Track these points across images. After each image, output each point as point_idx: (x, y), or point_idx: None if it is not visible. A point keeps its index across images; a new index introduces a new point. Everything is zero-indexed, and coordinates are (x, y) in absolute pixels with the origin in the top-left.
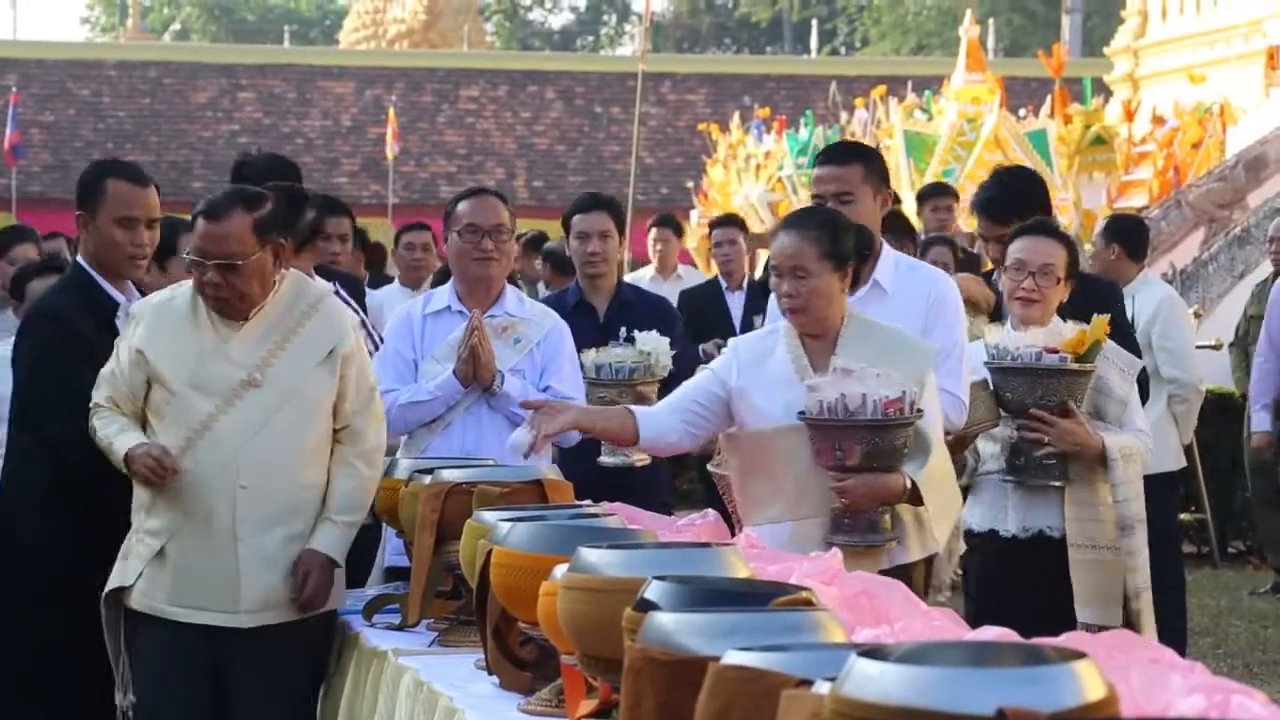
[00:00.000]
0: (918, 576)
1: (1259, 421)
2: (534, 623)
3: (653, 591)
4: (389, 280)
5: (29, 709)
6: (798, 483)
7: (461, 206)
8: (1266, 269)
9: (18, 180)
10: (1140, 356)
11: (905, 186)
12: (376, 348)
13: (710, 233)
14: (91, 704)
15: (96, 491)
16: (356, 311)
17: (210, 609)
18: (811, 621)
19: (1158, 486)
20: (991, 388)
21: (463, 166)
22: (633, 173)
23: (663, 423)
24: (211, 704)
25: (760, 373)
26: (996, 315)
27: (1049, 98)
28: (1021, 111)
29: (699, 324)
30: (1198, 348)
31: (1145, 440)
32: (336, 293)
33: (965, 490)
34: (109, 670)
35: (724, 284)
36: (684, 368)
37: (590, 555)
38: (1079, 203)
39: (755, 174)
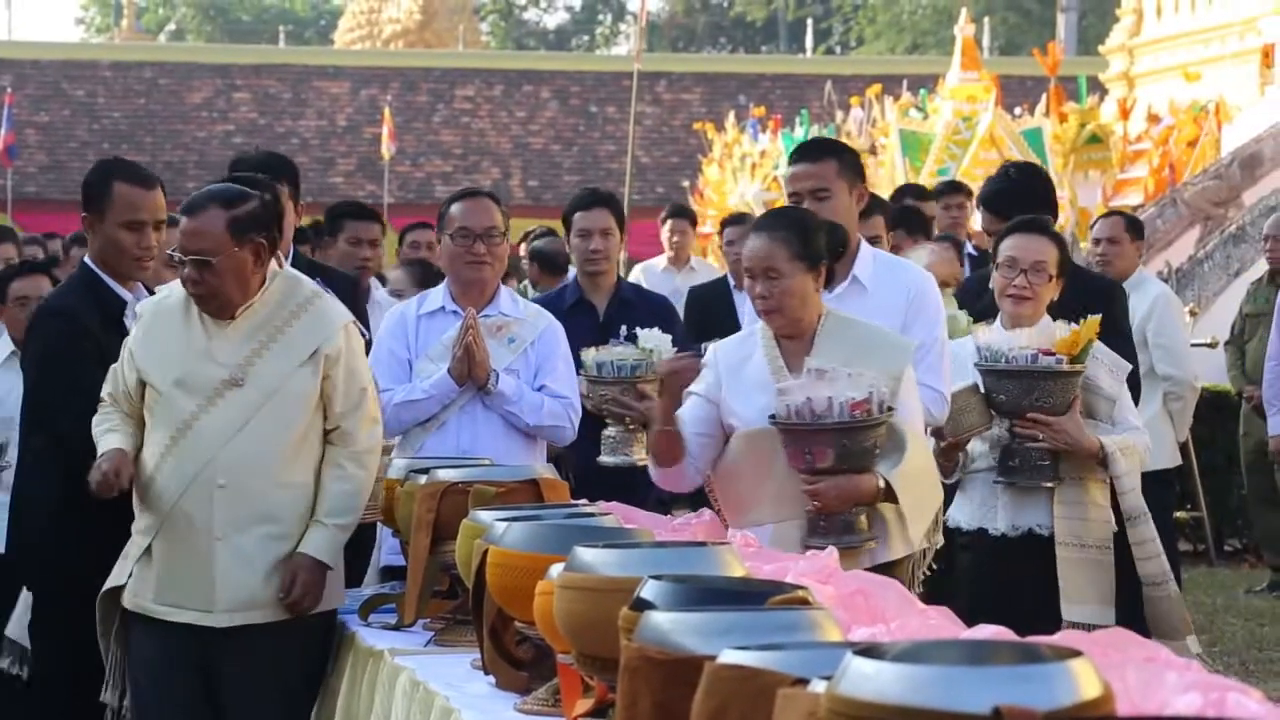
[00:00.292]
0: (903, 573)
1: (1275, 425)
2: (530, 622)
3: (649, 591)
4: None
5: (28, 707)
6: (775, 486)
7: (454, 209)
8: (1262, 267)
9: (13, 181)
10: (1136, 358)
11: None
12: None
13: (721, 231)
14: (91, 703)
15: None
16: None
17: (189, 608)
18: (807, 620)
19: (1153, 484)
20: (983, 391)
21: (458, 166)
22: (628, 172)
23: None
24: (204, 704)
25: (739, 377)
26: (986, 313)
27: (1044, 96)
28: (1017, 110)
29: (706, 322)
30: (1193, 346)
31: (1142, 436)
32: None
33: (954, 488)
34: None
35: (732, 283)
36: None
37: (586, 554)
38: (1074, 201)
39: (751, 173)
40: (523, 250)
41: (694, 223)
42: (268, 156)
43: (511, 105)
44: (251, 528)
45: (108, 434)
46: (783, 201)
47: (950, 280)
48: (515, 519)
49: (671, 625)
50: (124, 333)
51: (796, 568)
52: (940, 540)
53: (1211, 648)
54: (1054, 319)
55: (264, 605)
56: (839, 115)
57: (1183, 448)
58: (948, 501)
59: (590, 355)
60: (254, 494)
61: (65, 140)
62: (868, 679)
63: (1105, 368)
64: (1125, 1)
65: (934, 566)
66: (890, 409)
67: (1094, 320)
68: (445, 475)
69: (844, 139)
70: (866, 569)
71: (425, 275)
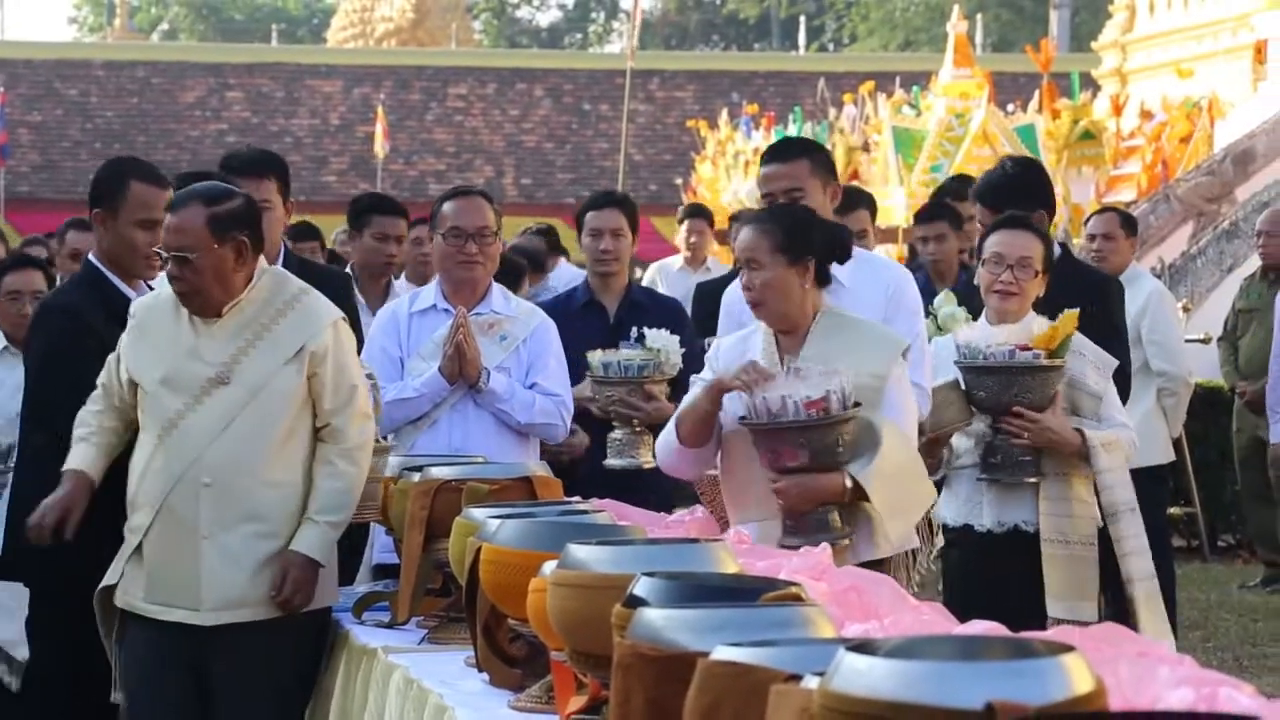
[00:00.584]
0: (893, 571)
1: (1277, 433)
2: (523, 619)
3: (642, 587)
4: None
5: (28, 707)
6: (758, 484)
7: (446, 208)
8: (1255, 263)
9: (6, 180)
10: (1129, 354)
11: (894, 182)
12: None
13: (730, 226)
14: (91, 703)
15: (106, 489)
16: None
17: (178, 606)
18: (800, 617)
19: (1147, 480)
20: (963, 387)
21: (451, 164)
22: (621, 170)
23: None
24: (196, 702)
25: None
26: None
27: (1037, 93)
28: (1010, 107)
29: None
30: (1186, 341)
31: (1128, 432)
32: None
33: (939, 484)
34: (108, 669)
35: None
36: (693, 369)
37: (579, 552)
38: (1068, 197)
39: (744, 171)
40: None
41: (711, 223)
42: (258, 154)
43: (504, 103)
44: (238, 526)
45: (79, 443)
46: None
47: None
48: (508, 516)
49: (665, 622)
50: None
51: (790, 564)
52: (941, 541)
53: (1205, 643)
54: (1051, 314)
55: (252, 604)
56: (832, 112)
57: (1176, 444)
58: None
59: (597, 356)
60: (240, 492)
61: (58, 140)
62: (861, 675)
63: (1091, 364)
64: None
65: (930, 566)
66: (857, 404)
67: (1071, 315)
68: (438, 473)
69: (837, 136)
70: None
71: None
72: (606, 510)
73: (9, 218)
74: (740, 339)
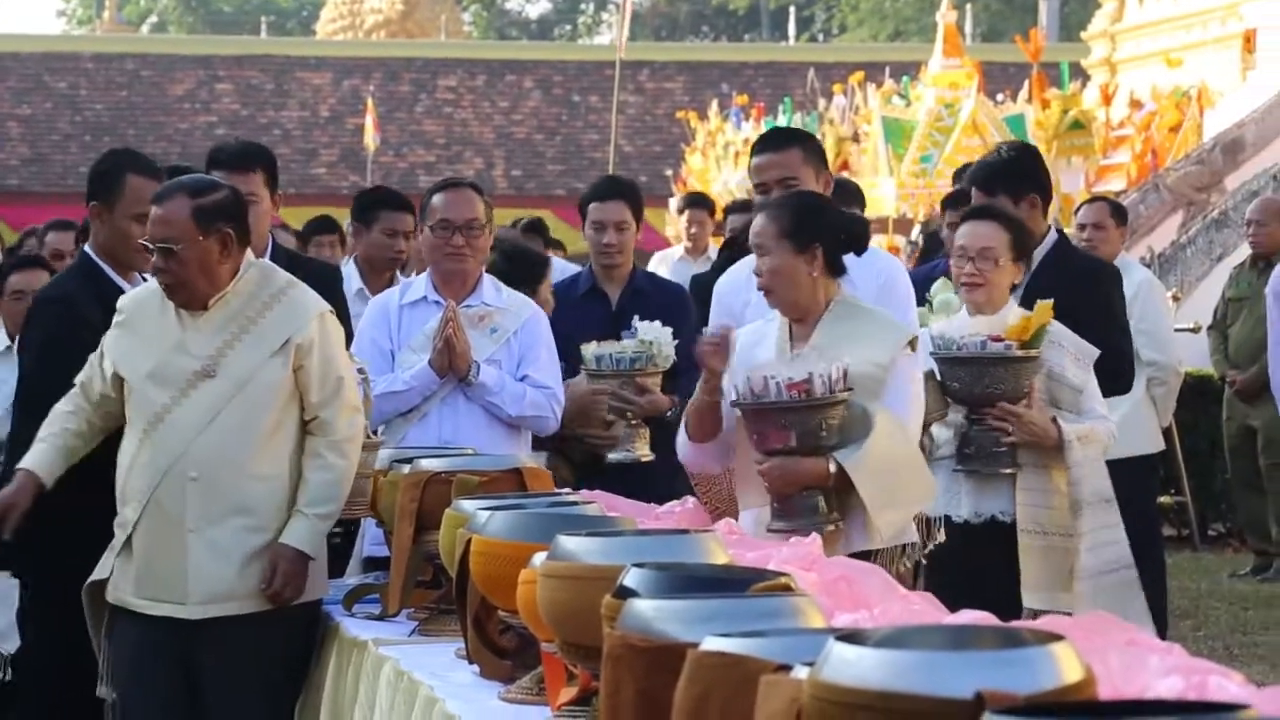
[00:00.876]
0: (889, 563)
1: None
2: (514, 611)
3: (631, 578)
4: None
5: (24, 703)
6: (753, 468)
7: (435, 200)
8: (1244, 251)
9: None
10: (1130, 340)
11: (884, 172)
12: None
13: (725, 218)
14: (81, 697)
15: (97, 481)
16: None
17: (165, 600)
18: (790, 607)
19: (1137, 469)
20: (938, 378)
21: (441, 156)
22: (611, 161)
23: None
24: (186, 696)
25: (748, 359)
26: None
27: (1026, 83)
28: (999, 96)
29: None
30: (1176, 331)
31: (1106, 424)
32: None
33: None
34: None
35: None
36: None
37: (569, 543)
38: (1058, 187)
39: (734, 161)
40: None
41: (712, 212)
42: (245, 147)
43: (494, 95)
44: (225, 520)
45: (39, 443)
46: None
47: None
48: (498, 508)
49: (654, 613)
50: None
51: (779, 555)
52: (941, 537)
53: (1196, 632)
54: (1047, 301)
55: (240, 597)
56: (822, 103)
57: (1166, 433)
58: None
59: (590, 349)
60: (226, 486)
61: (47, 133)
62: (850, 665)
63: (1070, 355)
64: None
65: (923, 559)
66: (847, 390)
67: (1045, 306)
68: (428, 465)
69: (827, 127)
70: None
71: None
72: (596, 501)
73: None
74: (759, 325)
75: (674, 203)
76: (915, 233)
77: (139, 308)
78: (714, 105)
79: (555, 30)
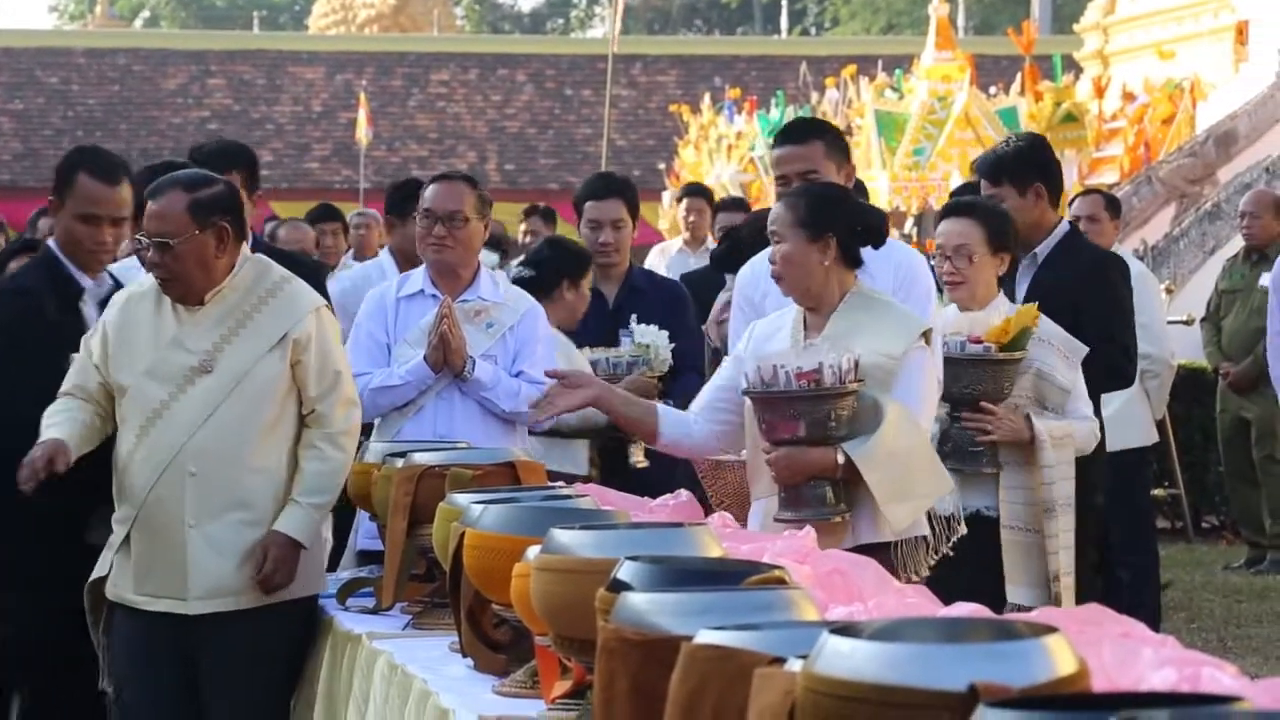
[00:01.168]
0: (892, 559)
1: None
2: (507, 604)
3: (625, 572)
4: None
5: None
6: (762, 458)
7: (425, 191)
8: (1237, 244)
9: None
10: (1134, 332)
11: (877, 166)
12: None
13: (714, 215)
14: (78, 693)
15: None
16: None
17: (164, 596)
18: (784, 600)
19: (1130, 462)
20: None
21: (434, 151)
22: (604, 155)
23: (688, 426)
24: (185, 691)
25: (763, 349)
26: None
27: (1019, 75)
28: (992, 89)
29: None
30: (1169, 323)
31: (1087, 424)
32: None
33: None
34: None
35: None
36: (696, 354)
37: (563, 536)
38: None
39: (727, 155)
40: (522, 228)
41: (710, 201)
42: (224, 145)
43: (487, 89)
44: (224, 514)
45: (50, 428)
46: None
47: None
48: (492, 501)
49: (648, 606)
50: (80, 318)
51: (773, 548)
52: (963, 529)
53: (1190, 624)
54: (1049, 291)
55: (239, 591)
56: (814, 96)
57: (1160, 425)
58: None
59: (585, 354)
60: (225, 481)
61: (40, 128)
62: (844, 657)
63: (1060, 353)
64: None
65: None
66: (858, 381)
67: (1028, 309)
68: (422, 458)
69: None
70: (849, 549)
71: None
72: (590, 495)
73: None
74: (777, 316)
75: (669, 194)
76: (909, 225)
77: (133, 307)
78: (706, 99)
79: (548, 24)
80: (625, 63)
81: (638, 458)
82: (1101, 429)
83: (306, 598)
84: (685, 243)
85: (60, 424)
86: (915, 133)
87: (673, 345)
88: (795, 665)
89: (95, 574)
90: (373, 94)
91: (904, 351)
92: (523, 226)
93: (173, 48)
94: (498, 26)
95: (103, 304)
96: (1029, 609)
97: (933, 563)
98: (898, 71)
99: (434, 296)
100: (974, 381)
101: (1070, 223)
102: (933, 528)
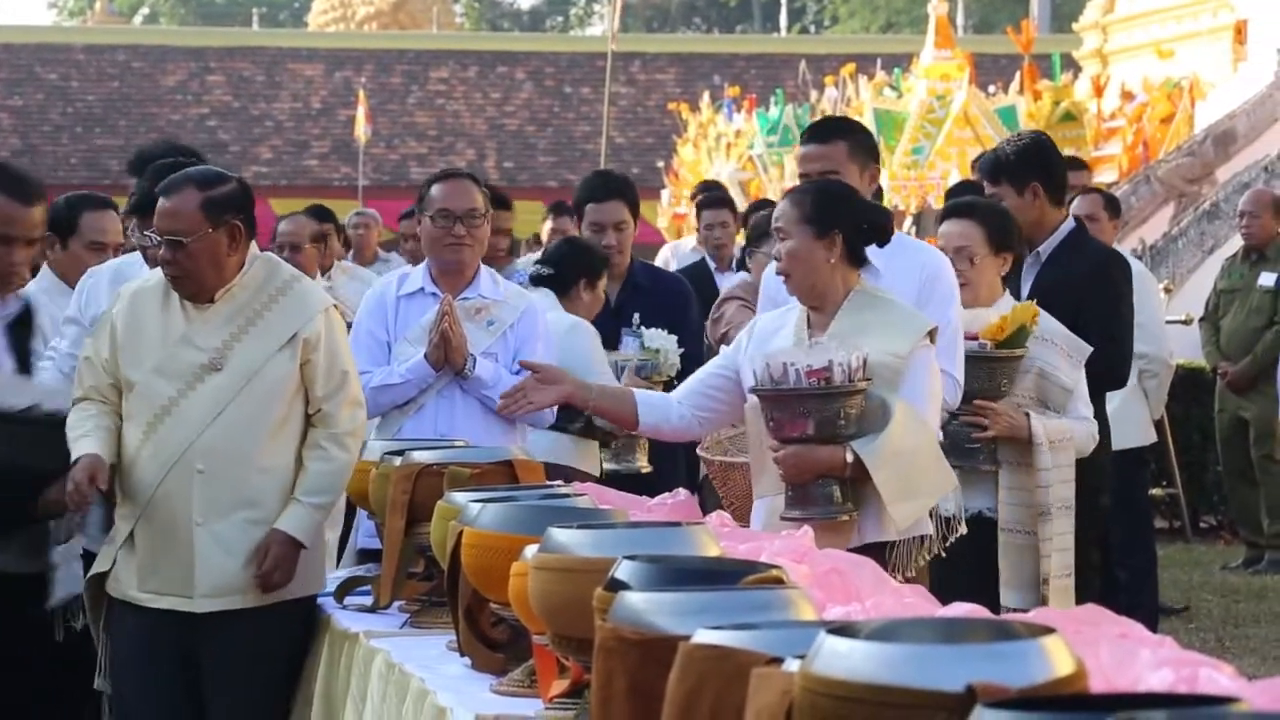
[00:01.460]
0: (895, 557)
1: None
2: (505, 603)
3: (623, 571)
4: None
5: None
6: (769, 456)
7: (435, 190)
8: (1236, 243)
9: None
10: (1130, 332)
11: None
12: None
13: (699, 213)
14: (78, 689)
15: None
16: None
17: (169, 594)
18: (782, 599)
19: (1128, 462)
20: None
21: (433, 148)
22: (603, 153)
23: (667, 410)
24: (185, 690)
25: (765, 345)
26: None
27: (1018, 74)
28: (991, 88)
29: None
30: (1168, 323)
31: (1085, 425)
32: None
33: None
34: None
35: (713, 265)
36: (699, 352)
37: (561, 535)
38: None
39: (726, 153)
40: (548, 226)
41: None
42: (171, 148)
43: (486, 87)
44: (231, 513)
45: (81, 439)
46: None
47: None
48: (490, 500)
49: (646, 605)
50: None
51: (771, 547)
52: (963, 529)
53: (1188, 624)
54: (1054, 288)
55: (244, 590)
56: (813, 95)
57: (1158, 425)
58: None
59: None
60: (233, 479)
61: (39, 124)
62: (841, 658)
63: (1063, 353)
64: None
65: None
66: (865, 380)
67: (1025, 306)
68: (420, 457)
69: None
70: (855, 548)
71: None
72: (588, 494)
73: None
74: (779, 314)
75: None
76: (907, 224)
77: (136, 301)
78: (705, 97)
79: (547, 22)
80: (624, 60)
81: (642, 462)
82: (1105, 429)
83: (308, 597)
84: (700, 242)
85: (89, 434)
86: (914, 131)
87: (682, 350)
88: (793, 665)
89: (95, 570)
90: (372, 91)
91: (910, 350)
92: (548, 225)
93: (172, 44)
94: (497, 24)
95: (10, 327)
96: (1021, 611)
97: (926, 560)
98: (896, 70)
99: (434, 294)
100: (970, 378)
101: (1075, 220)
102: (935, 526)
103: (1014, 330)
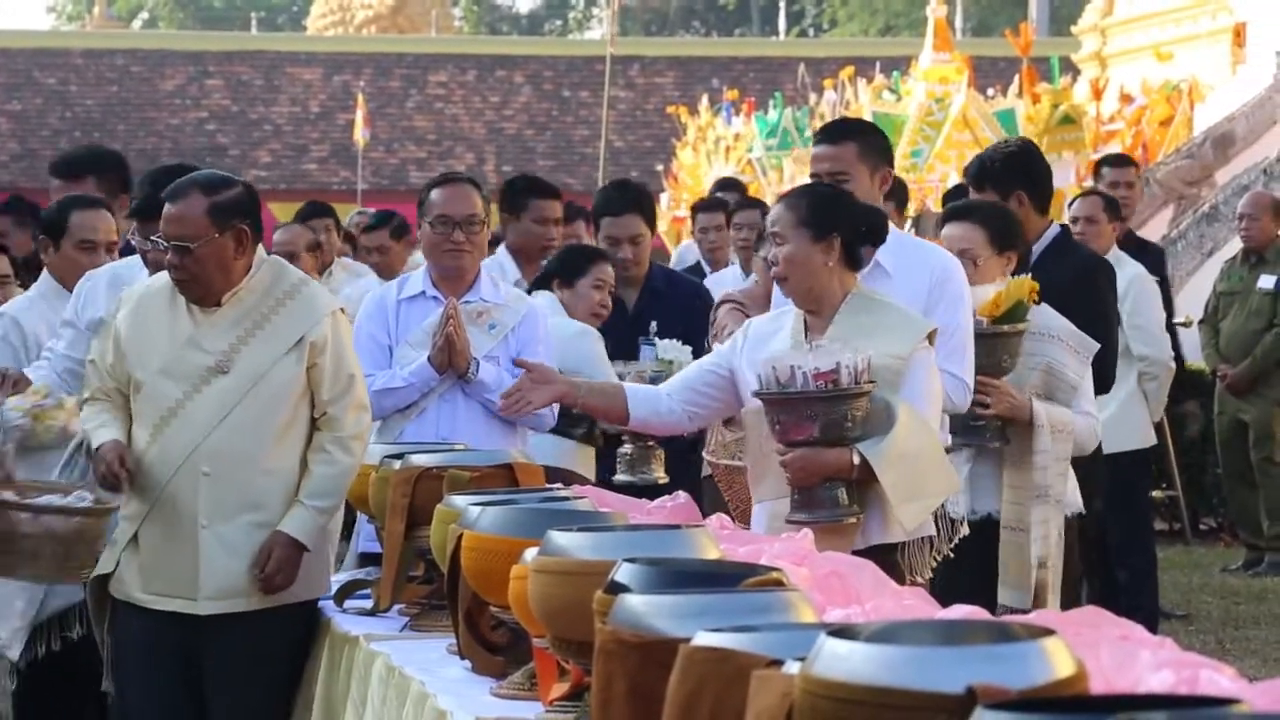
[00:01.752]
0: (899, 558)
1: None
2: (505, 606)
3: (623, 574)
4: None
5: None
6: (773, 463)
7: (434, 195)
8: (1235, 245)
9: None
10: (1115, 337)
11: None
12: None
13: (694, 216)
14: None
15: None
16: None
17: (174, 595)
18: (782, 602)
19: (1129, 464)
20: None
21: (432, 152)
22: (602, 156)
23: (657, 403)
24: (186, 691)
25: (760, 350)
26: None
27: (1017, 77)
28: (990, 91)
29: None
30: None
31: (1088, 421)
32: None
33: None
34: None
35: (707, 269)
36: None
37: (560, 538)
38: None
39: (725, 156)
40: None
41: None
42: (91, 151)
43: (485, 90)
44: (237, 515)
45: (100, 429)
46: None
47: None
48: (489, 503)
49: (646, 608)
50: None
51: (771, 550)
52: (965, 530)
53: (1188, 626)
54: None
55: (248, 592)
56: (812, 98)
57: (1158, 427)
58: None
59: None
60: (239, 481)
61: (38, 129)
62: (841, 660)
63: (1070, 349)
64: None
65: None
66: (870, 383)
67: (1021, 281)
68: (420, 460)
69: (818, 121)
70: (859, 550)
71: None
72: (587, 497)
73: None
74: (773, 317)
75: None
76: (906, 227)
77: (142, 303)
78: (704, 100)
79: (546, 25)
80: (623, 64)
81: (658, 474)
82: None
83: (310, 600)
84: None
85: (107, 424)
86: (913, 134)
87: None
88: (793, 667)
89: (99, 571)
90: (370, 95)
91: (910, 352)
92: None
93: (170, 48)
94: (495, 28)
95: None
96: (1015, 610)
97: (936, 562)
98: (895, 73)
99: (435, 298)
100: None
101: (1061, 226)
102: (938, 527)
103: (1011, 305)
